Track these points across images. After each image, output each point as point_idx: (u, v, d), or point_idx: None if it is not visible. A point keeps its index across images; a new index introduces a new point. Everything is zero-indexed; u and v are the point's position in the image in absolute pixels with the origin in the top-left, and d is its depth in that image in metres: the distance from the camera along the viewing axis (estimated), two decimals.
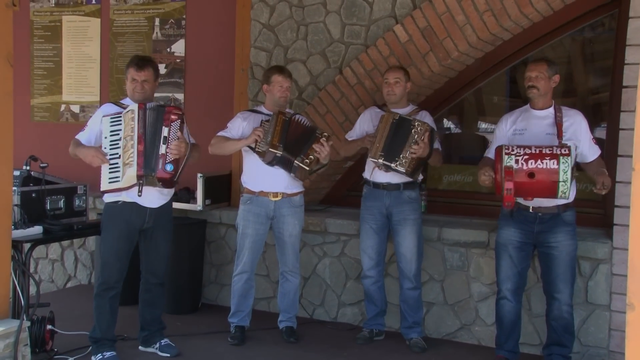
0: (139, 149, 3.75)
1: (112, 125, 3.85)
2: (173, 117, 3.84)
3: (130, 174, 3.75)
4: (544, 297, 3.93)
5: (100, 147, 3.87)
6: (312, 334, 4.61)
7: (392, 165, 4.05)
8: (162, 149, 3.79)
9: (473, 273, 4.45)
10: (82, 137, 3.96)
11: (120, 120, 3.85)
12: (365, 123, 4.42)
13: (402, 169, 4.05)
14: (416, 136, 4.03)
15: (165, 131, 3.81)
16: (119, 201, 3.89)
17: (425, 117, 4.29)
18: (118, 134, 3.83)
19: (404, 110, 4.26)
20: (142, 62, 3.99)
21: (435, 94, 5.03)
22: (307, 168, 4.15)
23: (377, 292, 4.43)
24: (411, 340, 4.33)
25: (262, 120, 4.22)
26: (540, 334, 4.21)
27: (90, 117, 4.10)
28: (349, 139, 4.46)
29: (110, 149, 3.82)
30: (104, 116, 3.91)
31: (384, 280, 4.49)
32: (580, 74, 5.04)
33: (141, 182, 3.79)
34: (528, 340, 4.24)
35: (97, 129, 3.93)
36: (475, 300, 4.46)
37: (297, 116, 4.33)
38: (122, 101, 4.07)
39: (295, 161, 4.13)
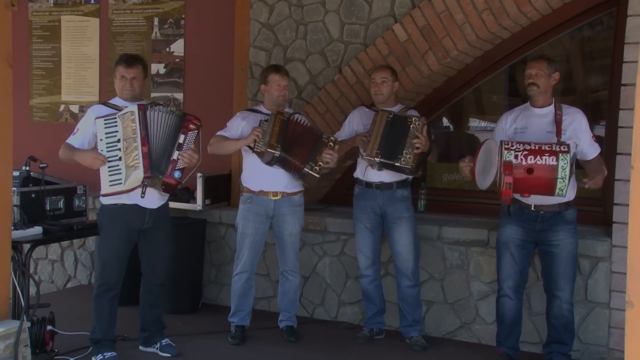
0: (144, 151, 3.73)
1: (107, 127, 3.81)
2: (192, 126, 3.86)
3: (136, 176, 3.72)
4: (544, 295, 3.93)
5: (96, 149, 3.83)
6: (313, 333, 4.61)
7: (397, 163, 4.03)
8: (175, 154, 3.80)
9: (473, 272, 4.46)
10: (74, 141, 3.89)
11: (115, 122, 3.80)
12: (355, 123, 4.41)
13: (407, 166, 4.03)
14: (415, 131, 4.03)
15: (181, 138, 3.82)
16: (119, 203, 3.86)
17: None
18: (115, 136, 3.78)
19: (392, 110, 4.25)
20: (131, 59, 3.98)
21: (434, 93, 5.02)
22: (318, 175, 4.14)
23: (375, 291, 4.43)
24: (411, 339, 4.33)
25: (260, 120, 4.22)
26: (540, 332, 4.21)
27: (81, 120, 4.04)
28: (338, 139, 4.45)
29: (108, 151, 3.78)
30: (96, 118, 3.85)
31: (381, 279, 4.49)
32: (579, 72, 5.04)
33: (145, 183, 3.77)
34: (528, 338, 4.24)
35: (89, 131, 3.88)
36: (475, 299, 4.46)
37: (296, 115, 4.31)
38: (111, 101, 4.03)
39: (305, 168, 4.11)
